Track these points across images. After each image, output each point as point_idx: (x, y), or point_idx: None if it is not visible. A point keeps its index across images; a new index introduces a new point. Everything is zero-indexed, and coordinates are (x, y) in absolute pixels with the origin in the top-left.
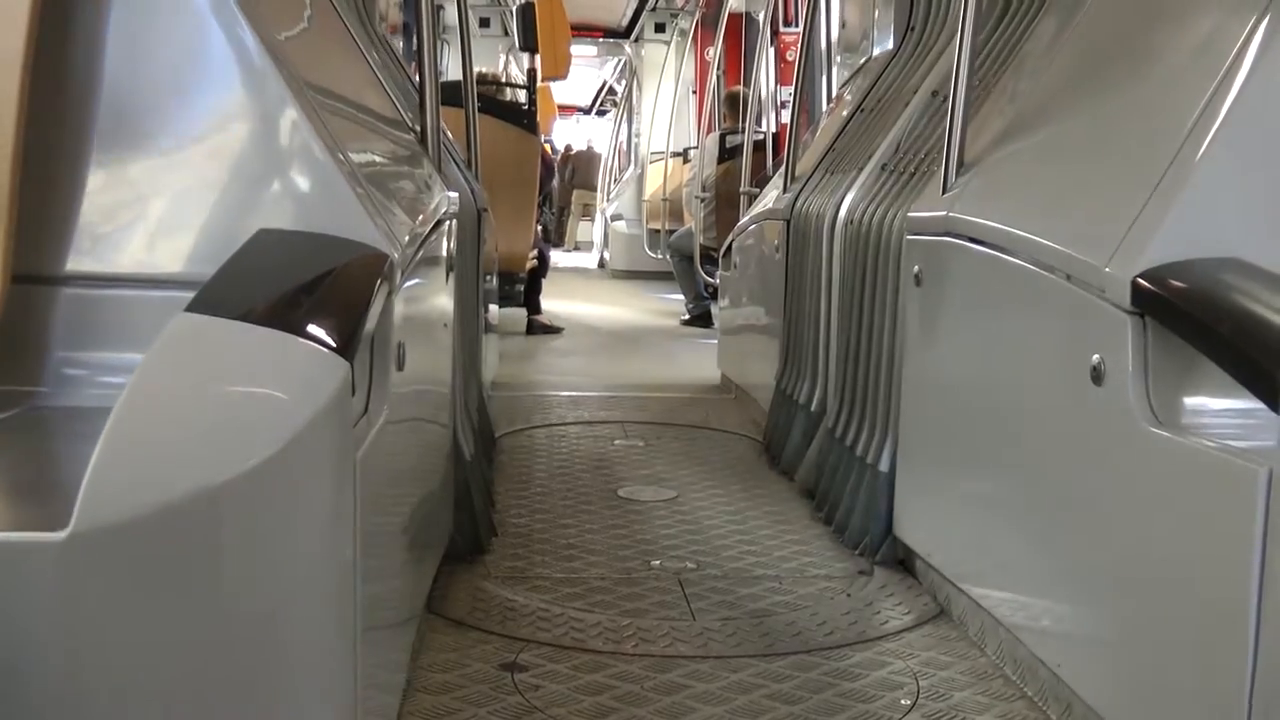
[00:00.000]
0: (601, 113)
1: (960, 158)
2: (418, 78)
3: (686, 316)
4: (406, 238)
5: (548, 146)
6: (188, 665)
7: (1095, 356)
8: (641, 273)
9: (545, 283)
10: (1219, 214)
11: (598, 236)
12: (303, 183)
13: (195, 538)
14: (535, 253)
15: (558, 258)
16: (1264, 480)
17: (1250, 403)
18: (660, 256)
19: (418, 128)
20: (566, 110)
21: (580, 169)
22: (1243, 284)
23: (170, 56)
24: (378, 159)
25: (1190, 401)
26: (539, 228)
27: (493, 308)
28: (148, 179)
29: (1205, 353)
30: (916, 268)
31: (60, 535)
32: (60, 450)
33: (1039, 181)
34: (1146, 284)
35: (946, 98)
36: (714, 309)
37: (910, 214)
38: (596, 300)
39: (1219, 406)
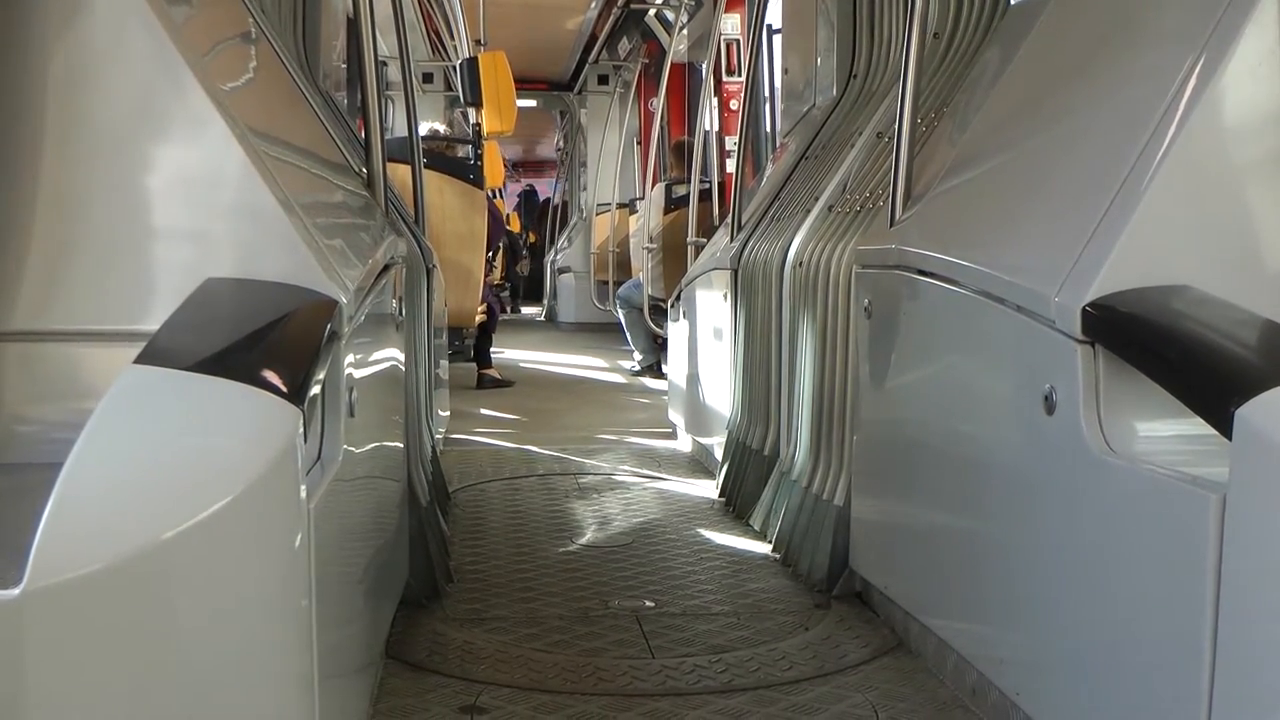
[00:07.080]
0: None
1: (908, 191)
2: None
3: (636, 368)
4: (355, 284)
5: (500, 201)
6: (145, 718)
7: (1047, 385)
8: (590, 325)
9: (494, 336)
10: (1167, 241)
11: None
12: (249, 230)
13: (149, 591)
14: (484, 307)
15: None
16: (1216, 506)
17: (1202, 429)
18: (608, 309)
19: (364, 173)
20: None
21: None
22: (1193, 311)
23: (115, 108)
24: (324, 205)
25: (1142, 428)
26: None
27: (443, 363)
28: (93, 231)
29: (1157, 380)
30: (866, 300)
31: (13, 593)
32: (12, 507)
33: (986, 213)
34: (1096, 313)
35: (892, 138)
36: (663, 360)
37: (859, 247)
38: (546, 353)
39: (1171, 433)
